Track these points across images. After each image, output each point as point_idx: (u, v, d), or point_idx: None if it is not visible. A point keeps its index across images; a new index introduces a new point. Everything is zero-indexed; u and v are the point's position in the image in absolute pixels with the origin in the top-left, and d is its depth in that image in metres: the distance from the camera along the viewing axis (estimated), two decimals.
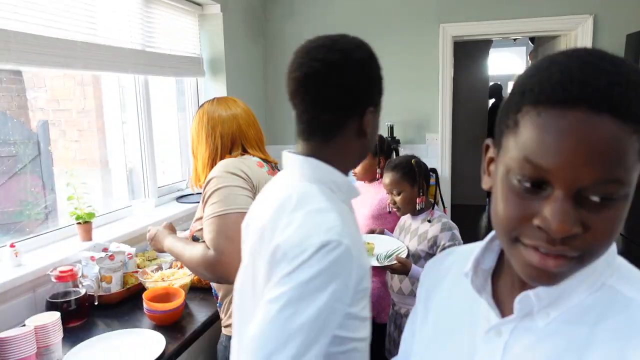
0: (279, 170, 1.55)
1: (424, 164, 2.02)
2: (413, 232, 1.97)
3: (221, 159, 1.46)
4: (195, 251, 1.34)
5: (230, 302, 1.43)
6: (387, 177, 1.96)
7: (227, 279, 1.31)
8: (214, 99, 1.56)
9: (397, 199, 1.96)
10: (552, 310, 0.55)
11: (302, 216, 0.82)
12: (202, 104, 1.55)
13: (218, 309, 1.51)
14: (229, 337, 1.42)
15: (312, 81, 0.87)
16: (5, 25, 1.57)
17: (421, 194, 1.93)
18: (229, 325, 1.43)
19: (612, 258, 0.56)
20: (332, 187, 0.89)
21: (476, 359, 0.60)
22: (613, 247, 0.56)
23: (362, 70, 0.88)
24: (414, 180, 1.94)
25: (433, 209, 1.93)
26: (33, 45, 1.66)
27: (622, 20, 2.92)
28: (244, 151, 1.49)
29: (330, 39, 0.88)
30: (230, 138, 1.48)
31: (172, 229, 1.59)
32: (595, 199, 0.47)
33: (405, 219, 2.07)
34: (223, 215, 1.29)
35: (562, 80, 0.46)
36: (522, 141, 0.49)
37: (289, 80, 0.90)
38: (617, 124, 0.44)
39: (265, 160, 1.50)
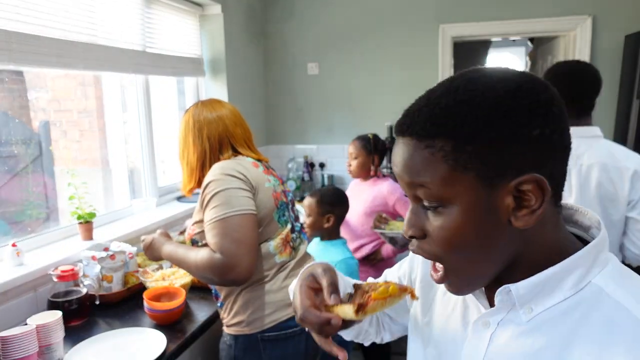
0: (272, 169, 1.56)
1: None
2: None
3: (211, 161, 1.45)
4: (200, 255, 1.33)
5: (233, 302, 1.44)
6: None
7: (235, 282, 1.32)
8: (199, 102, 1.55)
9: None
10: (536, 305, 0.56)
11: (632, 154, 1.55)
12: (188, 108, 1.55)
13: (219, 309, 1.52)
14: (233, 337, 1.43)
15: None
16: (7, 26, 1.58)
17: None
18: (233, 325, 1.44)
19: (601, 256, 0.56)
20: None
21: (465, 347, 0.63)
22: (601, 244, 0.57)
23: None
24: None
25: None
26: (34, 46, 1.67)
27: (621, 21, 2.92)
28: (235, 151, 1.48)
29: None
30: (217, 139, 1.46)
31: (167, 236, 1.57)
32: (425, 204, 0.56)
33: None
34: (226, 218, 1.29)
35: None
36: None
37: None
38: (414, 142, 0.55)
39: (259, 160, 1.50)
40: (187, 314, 1.63)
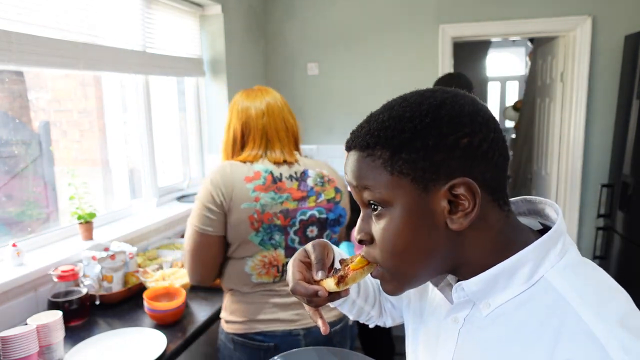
0: (293, 179, 1.43)
1: None
2: None
3: (234, 152, 1.46)
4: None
5: (230, 300, 1.45)
6: None
7: (193, 283, 1.49)
8: (244, 90, 1.52)
9: None
10: (493, 301, 0.60)
11: None
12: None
13: None
14: (222, 327, 1.48)
15: None
16: (7, 26, 1.58)
17: None
18: (222, 318, 1.49)
19: (553, 250, 0.59)
20: None
21: (439, 342, 0.67)
22: (553, 238, 0.59)
23: None
24: None
25: None
26: (35, 46, 1.67)
27: (620, 21, 2.92)
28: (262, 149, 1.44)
29: None
30: (240, 132, 1.45)
31: None
32: (371, 203, 0.61)
33: None
34: (190, 227, 1.40)
35: None
36: None
37: None
38: (358, 154, 0.61)
39: (270, 166, 1.41)
40: (187, 314, 1.63)
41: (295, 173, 1.44)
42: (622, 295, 0.56)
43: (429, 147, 0.56)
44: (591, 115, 3.05)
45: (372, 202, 0.61)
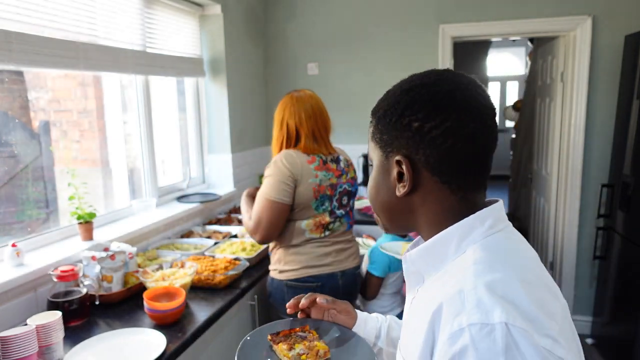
0: (335, 162, 1.86)
1: None
2: None
3: (287, 145, 1.83)
4: (245, 217, 1.89)
5: (273, 254, 1.88)
6: None
7: (257, 242, 1.84)
8: (293, 91, 1.90)
9: None
10: (434, 272, 0.69)
11: None
12: (289, 92, 1.90)
13: (269, 256, 1.96)
14: (271, 278, 1.88)
15: None
16: (7, 26, 1.58)
17: None
18: (271, 270, 1.88)
19: (478, 229, 0.66)
20: None
21: (405, 315, 0.77)
22: (479, 219, 0.66)
23: None
24: None
25: None
26: (34, 46, 1.67)
27: (621, 21, 2.92)
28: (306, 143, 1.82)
29: None
30: (294, 130, 1.83)
31: (251, 195, 2.00)
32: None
33: None
34: (265, 198, 1.76)
35: None
36: None
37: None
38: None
39: (322, 154, 1.83)
40: (187, 314, 1.63)
41: (334, 158, 1.89)
42: (515, 274, 0.60)
43: (390, 123, 0.69)
44: (591, 115, 3.05)
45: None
